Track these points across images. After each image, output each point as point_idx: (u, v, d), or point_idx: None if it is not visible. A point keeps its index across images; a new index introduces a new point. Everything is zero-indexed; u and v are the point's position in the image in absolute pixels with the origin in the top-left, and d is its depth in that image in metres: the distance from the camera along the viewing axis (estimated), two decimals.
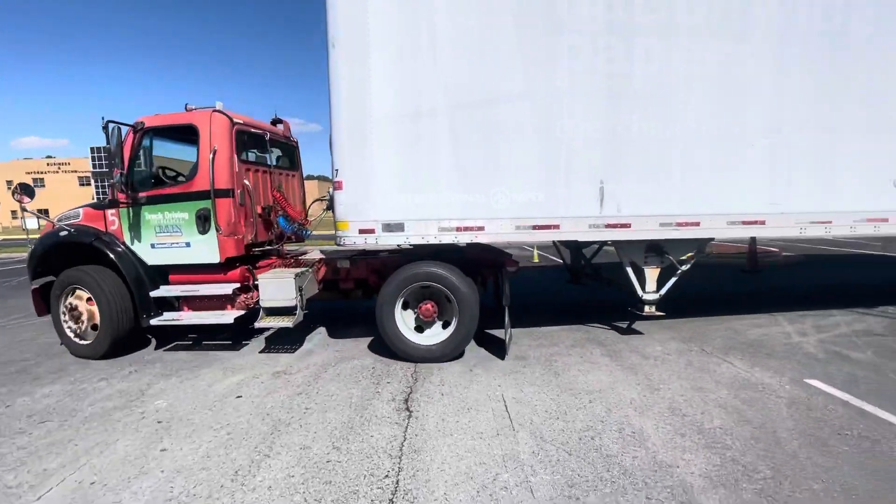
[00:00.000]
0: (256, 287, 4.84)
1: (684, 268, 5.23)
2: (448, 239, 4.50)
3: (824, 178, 4.98)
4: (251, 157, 5.38)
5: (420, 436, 3.18)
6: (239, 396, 3.89)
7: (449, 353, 4.58)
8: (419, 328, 4.71)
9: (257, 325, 4.71)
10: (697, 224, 4.77)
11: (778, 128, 4.79)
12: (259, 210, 5.21)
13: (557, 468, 2.76)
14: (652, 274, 5.14)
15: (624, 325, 5.78)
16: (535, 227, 4.56)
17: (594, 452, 2.93)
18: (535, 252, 12.93)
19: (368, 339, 5.33)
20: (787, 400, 3.60)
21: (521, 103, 4.42)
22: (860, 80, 4.90)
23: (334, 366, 4.60)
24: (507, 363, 4.57)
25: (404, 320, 4.65)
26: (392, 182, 4.36)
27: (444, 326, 4.67)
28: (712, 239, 5.10)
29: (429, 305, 4.61)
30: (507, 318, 4.72)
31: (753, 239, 8.61)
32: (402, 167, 4.36)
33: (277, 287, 4.65)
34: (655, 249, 5.07)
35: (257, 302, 4.80)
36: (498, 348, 4.89)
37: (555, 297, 7.80)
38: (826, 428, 3.16)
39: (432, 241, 4.49)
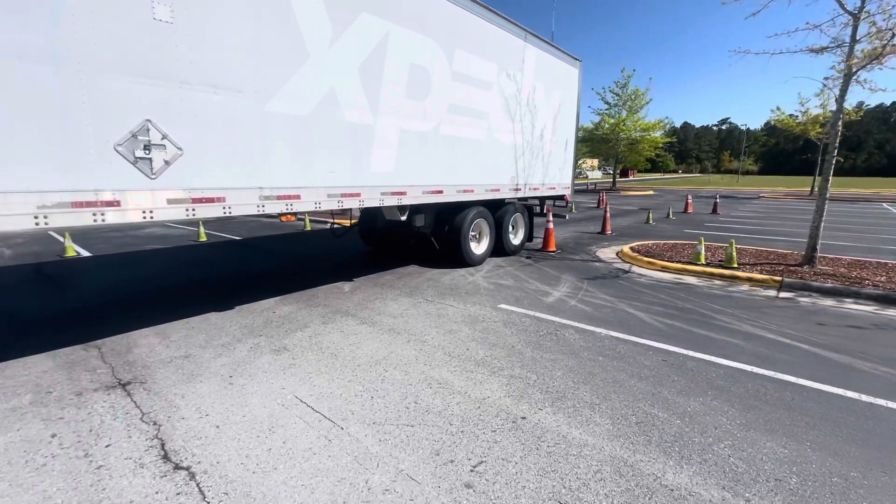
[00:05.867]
0: None
1: None
2: None
3: None
4: None
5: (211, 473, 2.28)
6: None
7: None
8: None
9: None
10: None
11: None
12: None
13: (412, 443, 2.68)
14: None
15: (346, 287, 5.98)
16: None
17: (428, 414, 3.01)
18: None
19: None
20: (501, 322, 4.87)
21: None
22: None
23: None
24: (272, 358, 3.82)
25: None
26: None
27: None
28: None
29: None
30: None
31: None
32: None
33: None
34: None
35: None
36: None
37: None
38: (531, 333, 4.53)
39: None
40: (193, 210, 3.91)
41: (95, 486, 2.31)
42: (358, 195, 5.36)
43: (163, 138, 3.65)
